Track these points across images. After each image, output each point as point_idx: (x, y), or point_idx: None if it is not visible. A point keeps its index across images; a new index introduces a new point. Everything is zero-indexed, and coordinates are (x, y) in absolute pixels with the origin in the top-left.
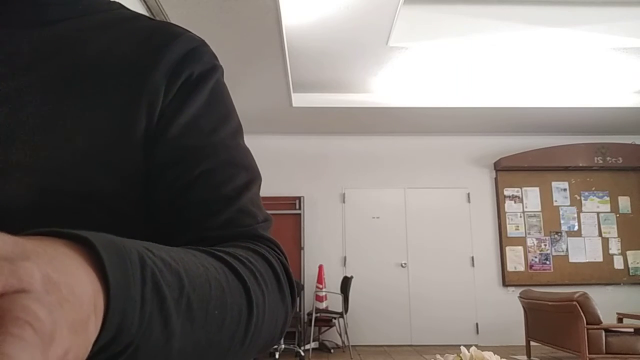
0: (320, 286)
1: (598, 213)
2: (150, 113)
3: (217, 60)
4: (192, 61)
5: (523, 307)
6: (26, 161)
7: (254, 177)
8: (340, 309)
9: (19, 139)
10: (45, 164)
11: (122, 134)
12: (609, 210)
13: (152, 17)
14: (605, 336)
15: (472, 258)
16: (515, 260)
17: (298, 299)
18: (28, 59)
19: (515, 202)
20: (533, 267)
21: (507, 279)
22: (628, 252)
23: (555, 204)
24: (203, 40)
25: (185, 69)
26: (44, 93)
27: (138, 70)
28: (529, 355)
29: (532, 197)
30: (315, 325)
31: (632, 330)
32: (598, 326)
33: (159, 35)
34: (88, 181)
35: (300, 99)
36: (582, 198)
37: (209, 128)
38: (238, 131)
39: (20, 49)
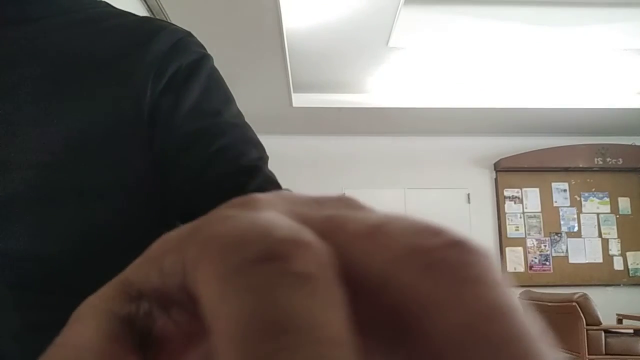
0: None
1: (598, 214)
2: (138, 107)
3: (205, 49)
4: (178, 53)
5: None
6: (19, 157)
7: (265, 154)
8: None
9: (12, 135)
10: (38, 160)
11: (108, 129)
12: (609, 211)
13: (152, 16)
14: (605, 337)
15: None
16: (515, 261)
17: None
18: (11, 56)
19: (515, 203)
20: (533, 268)
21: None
22: (628, 253)
23: (555, 204)
24: (188, 32)
25: (172, 62)
26: (31, 90)
27: (122, 64)
28: None
29: (532, 197)
30: None
31: (631, 331)
32: (598, 327)
33: (143, 29)
34: (82, 176)
35: (300, 99)
36: (582, 199)
37: (213, 111)
38: (240, 112)
39: (2, 45)
